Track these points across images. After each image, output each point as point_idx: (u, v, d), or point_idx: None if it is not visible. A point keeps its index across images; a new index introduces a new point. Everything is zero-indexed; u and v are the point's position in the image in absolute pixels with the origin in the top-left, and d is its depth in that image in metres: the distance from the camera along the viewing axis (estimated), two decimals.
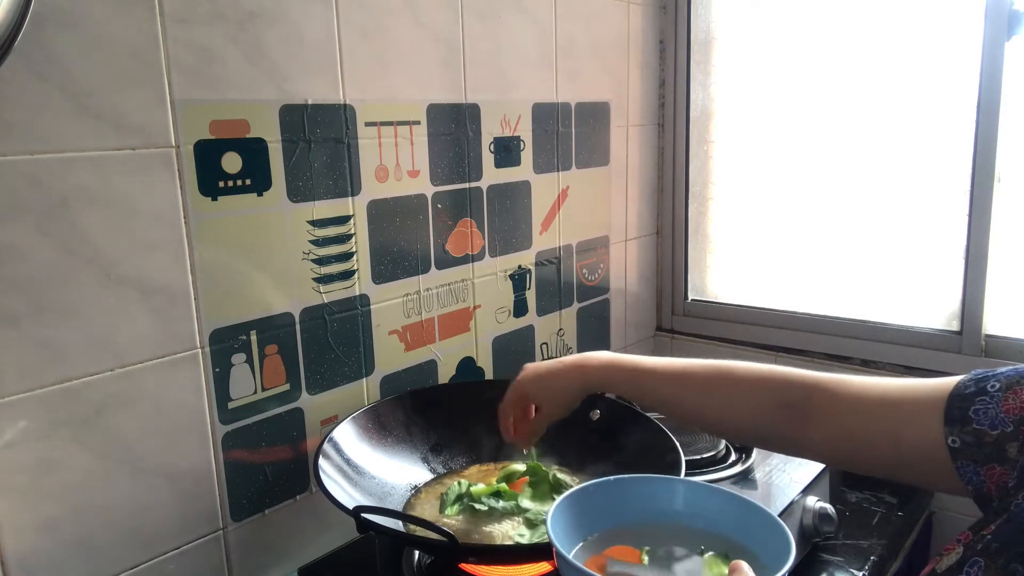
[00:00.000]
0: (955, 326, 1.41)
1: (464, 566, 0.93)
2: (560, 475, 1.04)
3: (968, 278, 1.37)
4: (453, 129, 1.21)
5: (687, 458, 0.95)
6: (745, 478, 1.16)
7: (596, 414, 1.09)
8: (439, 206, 1.20)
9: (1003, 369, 0.66)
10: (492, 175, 1.29)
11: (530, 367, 0.95)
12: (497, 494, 0.99)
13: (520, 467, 1.04)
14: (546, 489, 1.00)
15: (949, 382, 0.68)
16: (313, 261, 1.04)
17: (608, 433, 1.08)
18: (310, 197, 1.02)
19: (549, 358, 1.46)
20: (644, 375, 0.86)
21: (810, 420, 0.75)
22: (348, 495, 0.92)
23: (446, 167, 1.21)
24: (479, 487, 1.00)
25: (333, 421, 1.06)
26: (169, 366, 0.90)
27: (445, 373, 1.27)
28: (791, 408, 0.76)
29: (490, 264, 1.32)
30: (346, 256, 1.08)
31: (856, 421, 0.72)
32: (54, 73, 0.77)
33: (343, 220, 1.07)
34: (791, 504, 1.07)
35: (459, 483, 1.02)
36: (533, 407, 0.96)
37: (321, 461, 0.92)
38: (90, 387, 0.83)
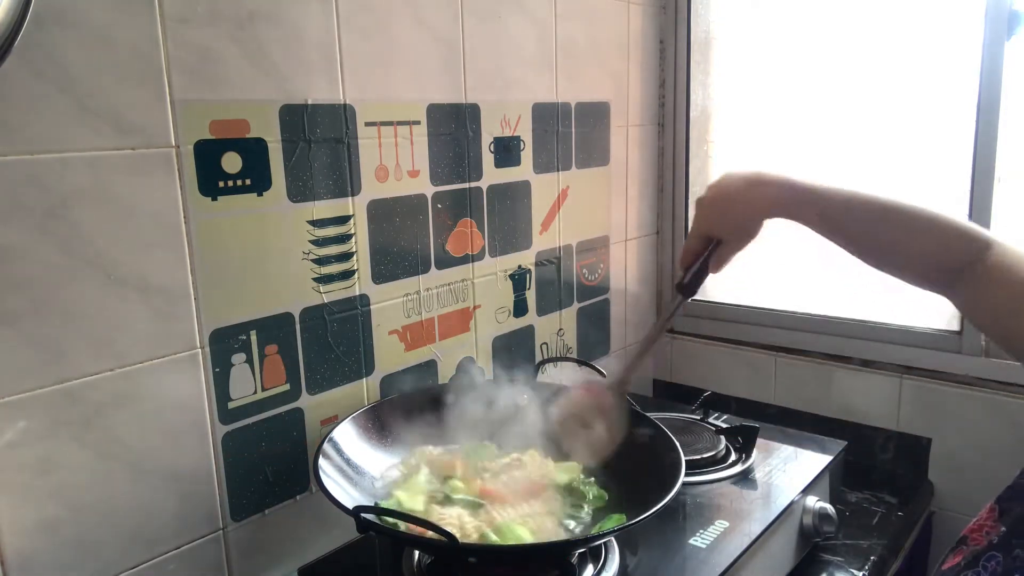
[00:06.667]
0: (955, 326, 1.41)
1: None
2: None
3: None
4: (453, 129, 1.21)
5: (687, 458, 0.96)
6: (745, 478, 1.16)
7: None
8: (439, 206, 1.20)
9: None
10: (492, 175, 1.29)
11: (706, 196, 0.90)
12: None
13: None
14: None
15: None
16: (313, 261, 1.04)
17: None
18: (310, 197, 1.02)
19: (549, 358, 1.47)
20: (821, 199, 0.89)
21: (967, 294, 0.80)
22: (348, 495, 0.92)
23: (446, 167, 1.21)
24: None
25: (333, 421, 1.06)
26: (169, 366, 0.90)
27: (445, 373, 1.27)
28: (953, 272, 0.81)
29: (490, 264, 1.32)
30: (346, 256, 1.08)
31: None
32: (54, 73, 0.77)
33: (343, 220, 1.07)
34: (791, 504, 1.07)
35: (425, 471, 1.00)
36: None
37: (321, 461, 0.92)
38: (90, 387, 0.83)
